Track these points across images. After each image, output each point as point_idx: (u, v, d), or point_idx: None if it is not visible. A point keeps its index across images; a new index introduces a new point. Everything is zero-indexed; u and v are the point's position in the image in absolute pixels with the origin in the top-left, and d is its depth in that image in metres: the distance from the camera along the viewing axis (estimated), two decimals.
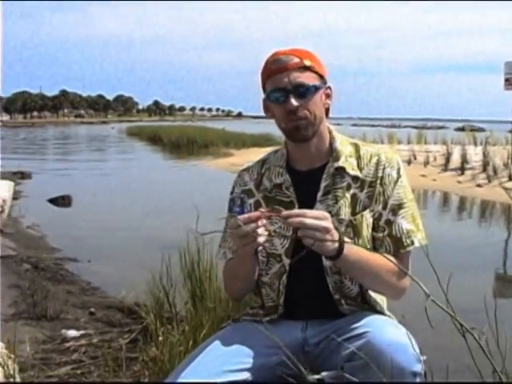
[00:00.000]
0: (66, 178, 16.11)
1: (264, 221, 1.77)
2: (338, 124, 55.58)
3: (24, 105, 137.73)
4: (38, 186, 14.18)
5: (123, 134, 51.36)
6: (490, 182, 13.54)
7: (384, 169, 1.99)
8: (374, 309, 2.00)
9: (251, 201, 2.08)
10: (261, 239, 1.77)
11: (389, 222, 1.97)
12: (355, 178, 1.99)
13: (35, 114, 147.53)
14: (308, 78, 1.92)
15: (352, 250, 1.82)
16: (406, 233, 1.96)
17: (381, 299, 2.04)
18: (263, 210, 1.81)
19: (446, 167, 15.62)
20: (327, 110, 2.04)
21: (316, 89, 1.93)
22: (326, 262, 1.94)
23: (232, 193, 2.17)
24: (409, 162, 16.53)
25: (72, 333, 3.88)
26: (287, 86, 1.91)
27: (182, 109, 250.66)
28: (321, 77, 1.96)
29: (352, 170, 1.99)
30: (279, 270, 2.03)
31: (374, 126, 70.05)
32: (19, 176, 15.09)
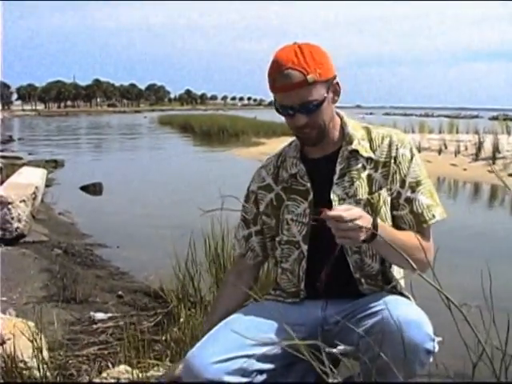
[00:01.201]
0: (98, 166, 16.29)
1: None
2: (371, 113, 55.02)
3: (58, 94, 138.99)
4: (71, 173, 14.40)
5: (155, 122, 51.63)
6: None
7: (397, 149, 2.05)
8: (394, 288, 2.06)
9: (272, 195, 2.17)
10: None
11: (409, 200, 2.03)
12: (369, 160, 2.05)
13: (69, 103, 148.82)
14: (314, 93, 1.93)
15: (385, 231, 1.87)
16: (426, 208, 2.03)
17: (400, 278, 2.11)
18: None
19: (477, 157, 15.44)
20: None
21: (323, 100, 1.96)
22: None
23: (249, 188, 2.27)
24: (439, 152, 16.39)
25: (100, 315, 3.98)
26: (294, 105, 1.94)
27: (213, 98, 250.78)
28: (327, 79, 1.96)
29: (365, 152, 2.06)
30: (298, 256, 2.11)
31: (406, 115, 69.32)
32: (52, 164, 15.35)
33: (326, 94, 1.96)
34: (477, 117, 66.03)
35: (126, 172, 15.36)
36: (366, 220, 1.80)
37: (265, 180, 2.22)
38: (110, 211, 9.28)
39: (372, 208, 2.01)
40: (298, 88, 1.91)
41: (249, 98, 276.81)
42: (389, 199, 2.04)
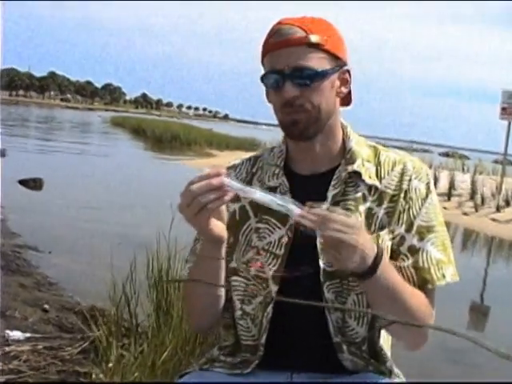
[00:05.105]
0: (42, 161, 15.55)
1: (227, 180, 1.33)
2: None
3: (10, 82, 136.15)
4: (11, 165, 13.61)
5: (108, 122, 50.78)
6: (476, 211, 13.21)
7: (410, 180, 1.56)
8: (383, 364, 1.57)
9: (236, 206, 1.64)
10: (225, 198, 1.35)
11: (414, 249, 1.54)
12: (372, 189, 1.55)
13: (21, 92, 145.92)
14: (314, 60, 1.46)
15: (387, 270, 1.41)
16: (436, 264, 1.54)
17: (387, 349, 1.62)
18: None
19: None
20: (345, 100, 1.60)
21: (324, 74, 1.49)
22: (328, 294, 1.51)
23: None
24: None
25: (16, 334, 3.43)
26: (284, 69, 1.46)
27: (169, 104, 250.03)
28: (335, 57, 1.51)
29: (369, 177, 1.55)
30: (264, 299, 1.58)
31: None
32: None
33: (329, 71, 1.49)
34: (427, 151, 66.85)
35: (72, 171, 14.63)
36: (366, 241, 1.35)
37: None
38: (47, 210, 8.66)
39: None
40: (294, 45, 1.45)
41: (204, 109, 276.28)
42: (389, 244, 1.56)
